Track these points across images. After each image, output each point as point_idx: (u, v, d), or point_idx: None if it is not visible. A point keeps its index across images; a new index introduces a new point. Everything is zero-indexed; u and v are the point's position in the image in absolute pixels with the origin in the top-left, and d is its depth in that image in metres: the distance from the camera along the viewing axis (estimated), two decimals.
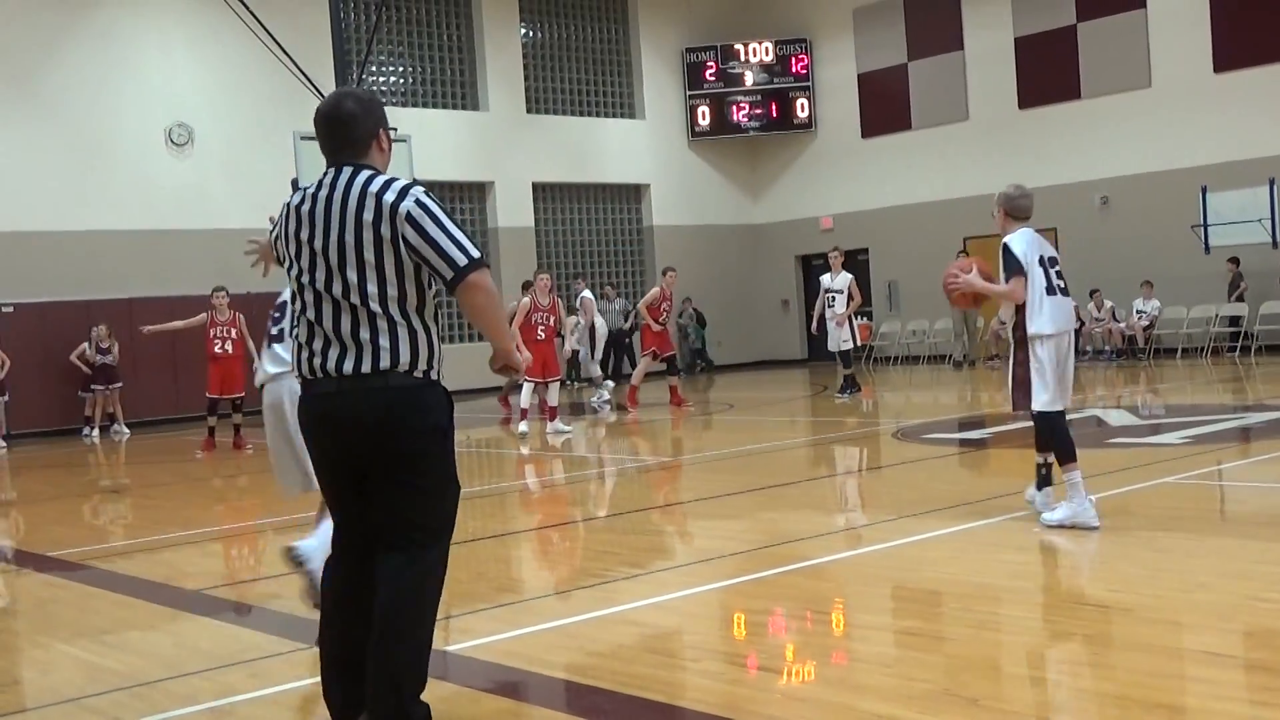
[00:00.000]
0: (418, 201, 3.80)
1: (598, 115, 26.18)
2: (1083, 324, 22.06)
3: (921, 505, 7.97)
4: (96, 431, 18.53)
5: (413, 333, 3.83)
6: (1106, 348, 21.84)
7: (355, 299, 3.80)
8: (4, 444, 17.56)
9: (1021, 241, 6.88)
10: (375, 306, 3.79)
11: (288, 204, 4.02)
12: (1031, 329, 6.83)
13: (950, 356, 23.29)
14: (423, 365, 3.86)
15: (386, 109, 4.21)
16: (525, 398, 14.49)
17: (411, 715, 3.75)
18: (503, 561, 7.28)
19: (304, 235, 3.91)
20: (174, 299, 19.97)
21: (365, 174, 3.89)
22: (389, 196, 3.80)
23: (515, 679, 4.63)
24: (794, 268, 27.57)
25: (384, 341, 3.79)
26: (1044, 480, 7.05)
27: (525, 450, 13.35)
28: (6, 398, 17.88)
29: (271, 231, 4.27)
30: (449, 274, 3.77)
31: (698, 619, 5.53)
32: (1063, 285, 6.94)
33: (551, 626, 5.34)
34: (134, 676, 4.93)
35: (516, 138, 24.45)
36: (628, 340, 24.21)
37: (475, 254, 3.80)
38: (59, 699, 4.71)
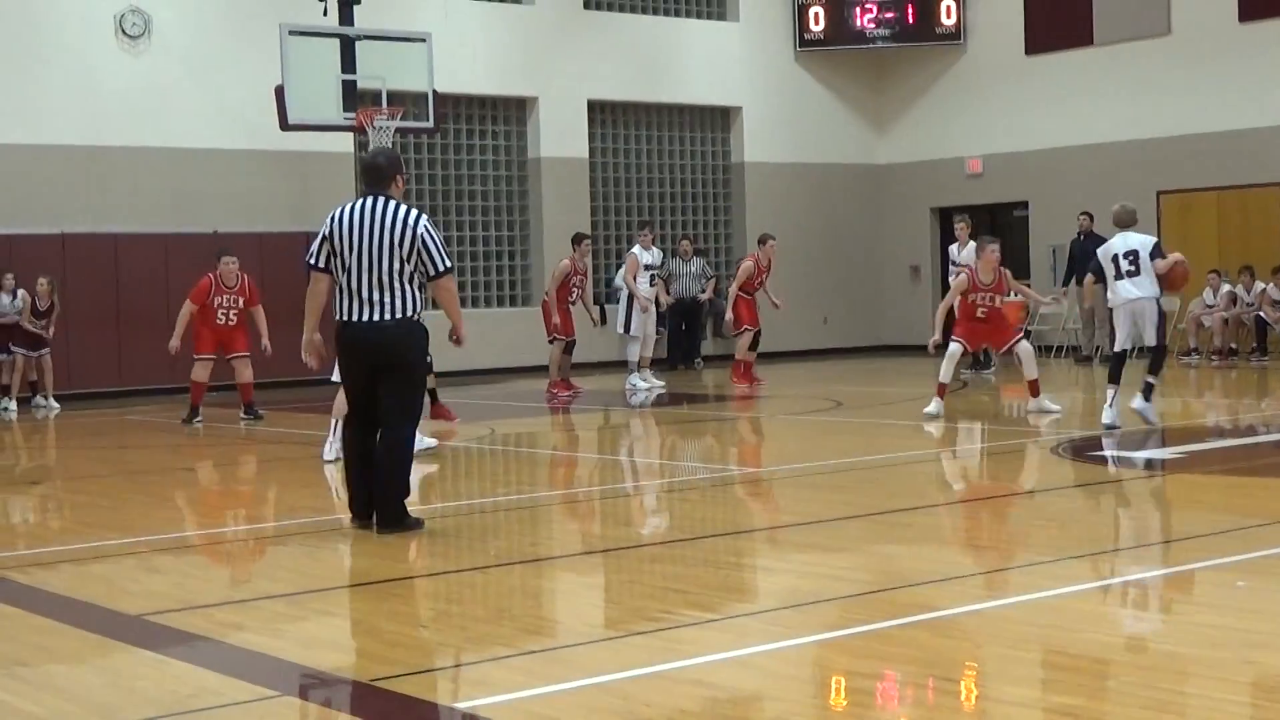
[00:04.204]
0: (425, 224, 8.50)
1: (676, 14, 26.17)
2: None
3: (1087, 544, 7.88)
4: (14, 405, 18.75)
5: (411, 295, 8.50)
6: None
7: (386, 277, 8.39)
8: None
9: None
10: (396, 280, 8.41)
11: (339, 212, 8.51)
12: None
13: (1079, 349, 23.09)
14: (415, 313, 8.52)
15: None
16: (945, 372, 14.74)
17: (406, 515, 8.59)
18: (533, 595, 7.32)
19: (355, 235, 8.37)
20: (120, 235, 20.11)
21: (393, 204, 8.49)
22: (410, 219, 8.45)
23: None
24: (929, 223, 27.42)
25: (397, 300, 8.46)
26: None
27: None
28: None
29: (321, 234, 8.53)
30: (433, 271, 8.54)
31: (786, 681, 5.54)
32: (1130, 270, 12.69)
33: (593, 683, 5.37)
34: None
35: (569, 41, 24.48)
36: (707, 313, 24.29)
37: (449, 263, 8.64)
38: None
